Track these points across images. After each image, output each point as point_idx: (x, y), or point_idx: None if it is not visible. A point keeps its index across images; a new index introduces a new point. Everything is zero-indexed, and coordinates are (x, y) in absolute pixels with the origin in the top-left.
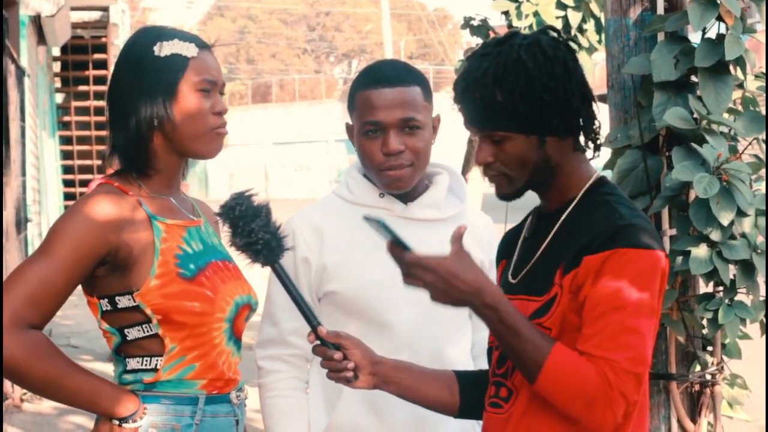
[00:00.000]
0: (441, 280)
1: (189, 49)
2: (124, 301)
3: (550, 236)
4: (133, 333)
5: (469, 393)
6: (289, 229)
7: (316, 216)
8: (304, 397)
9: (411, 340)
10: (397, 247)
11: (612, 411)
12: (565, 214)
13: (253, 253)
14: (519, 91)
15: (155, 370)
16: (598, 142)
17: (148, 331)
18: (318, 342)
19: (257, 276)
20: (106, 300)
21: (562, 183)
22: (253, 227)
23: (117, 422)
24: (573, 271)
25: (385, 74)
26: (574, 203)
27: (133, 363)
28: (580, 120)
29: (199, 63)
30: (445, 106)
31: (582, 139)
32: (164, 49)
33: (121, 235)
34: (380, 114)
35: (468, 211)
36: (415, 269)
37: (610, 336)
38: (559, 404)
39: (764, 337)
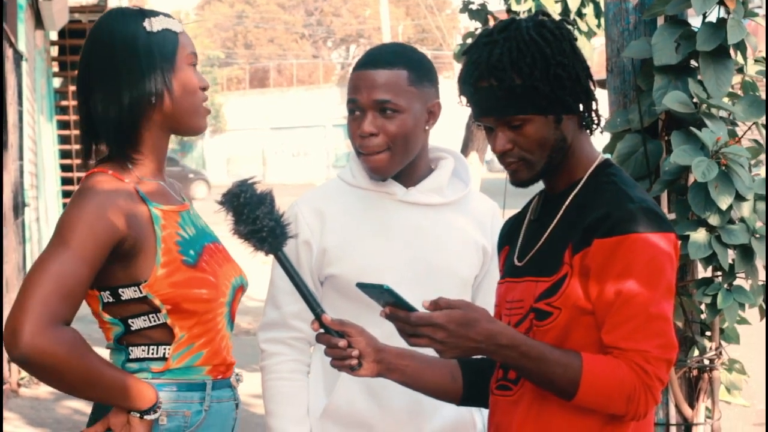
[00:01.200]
0: (452, 335)
1: (176, 25)
2: (129, 293)
3: (558, 217)
4: (138, 323)
5: (471, 379)
6: (292, 213)
7: (318, 200)
8: (304, 380)
9: None
10: (400, 309)
11: (653, 396)
12: (573, 194)
13: (258, 240)
14: (537, 72)
15: (164, 359)
16: (601, 119)
17: (155, 321)
18: (322, 330)
19: (244, 255)
20: (107, 292)
21: (571, 164)
22: (257, 214)
23: (138, 414)
24: (582, 250)
25: (373, 56)
26: (581, 184)
27: (137, 351)
28: (587, 96)
29: (185, 37)
30: (442, 91)
31: (587, 116)
32: (155, 24)
33: (128, 223)
34: (358, 94)
35: (472, 196)
36: (423, 328)
37: (637, 326)
38: (600, 409)
39: (763, 321)
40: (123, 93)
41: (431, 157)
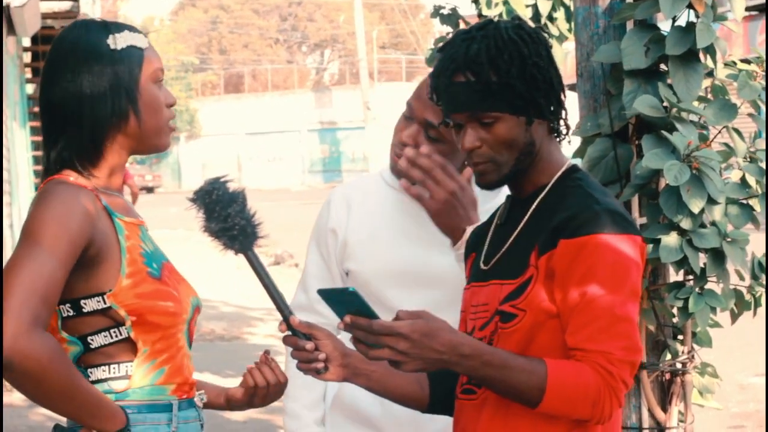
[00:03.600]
0: (415, 346)
1: (141, 40)
2: (91, 304)
3: (524, 220)
4: (98, 340)
5: (439, 387)
6: (328, 199)
7: (352, 191)
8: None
9: None
10: (361, 317)
11: (617, 399)
12: (539, 198)
13: (229, 238)
14: (514, 70)
15: (126, 377)
16: (569, 128)
17: (116, 336)
18: (289, 332)
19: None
20: (68, 305)
21: (538, 168)
22: (229, 212)
23: None
24: (548, 252)
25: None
26: (548, 188)
27: (97, 373)
28: (558, 104)
29: (151, 53)
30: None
31: (556, 123)
32: (119, 41)
33: (94, 227)
34: (415, 106)
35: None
36: (385, 338)
37: (602, 327)
38: (565, 416)
39: (734, 325)
40: (84, 112)
41: None
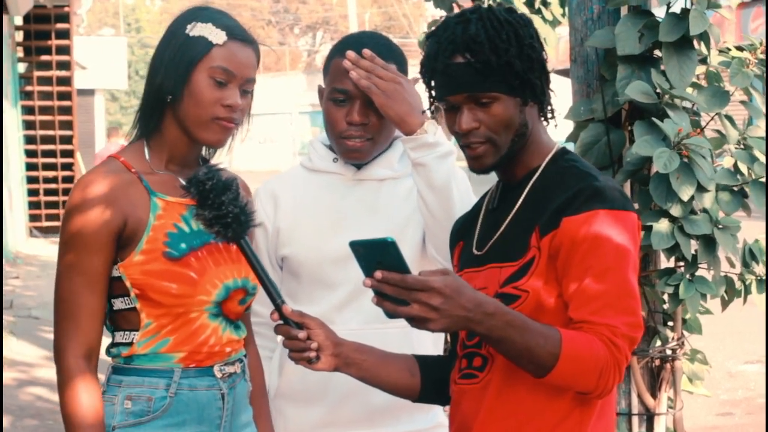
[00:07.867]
0: (447, 302)
1: (217, 36)
2: (113, 271)
3: (519, 202)
4: (117, 304)
5: (430, 374)
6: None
7: (275, 184)
8: (265, 366)
9: (357, 296)
10: (393, 272)
11: (619, 373)
12: (533, 179)
13: (222, 226)
14: (513, 50)
15: (131, 344)
16: (555, 113)
17: (128, 304)
18: (281, 321)
19: None
20: None
21: (529, 151)
22: (223, 200)
23: None
24: (551, 232)
25: (364, 46)
26: (540, 169)
27: (117, 336)
28: (548, 86)
29: (223, 52)
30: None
31: (546, 106)
32: (195, 29)
33: (122, 213)
34: (350, 84)
35: None
36: (418, 294)
37: (608, 302)
38: (571, 385)
39: (724, 312)
40: (149, 82)
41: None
